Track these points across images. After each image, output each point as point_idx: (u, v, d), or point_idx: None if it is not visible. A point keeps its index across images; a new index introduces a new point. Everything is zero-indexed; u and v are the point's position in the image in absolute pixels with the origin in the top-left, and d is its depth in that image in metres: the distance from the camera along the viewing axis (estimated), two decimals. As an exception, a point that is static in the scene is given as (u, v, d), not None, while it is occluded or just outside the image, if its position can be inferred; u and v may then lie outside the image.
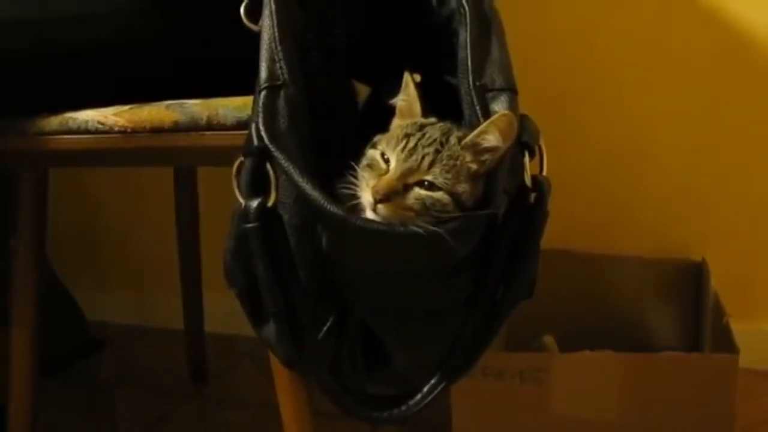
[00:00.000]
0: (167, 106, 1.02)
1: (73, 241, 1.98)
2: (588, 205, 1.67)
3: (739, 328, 1.30)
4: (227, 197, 0.85)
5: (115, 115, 1.03)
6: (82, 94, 1.07)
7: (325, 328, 0.86)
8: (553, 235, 0.87)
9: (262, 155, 0.78)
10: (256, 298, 0.85)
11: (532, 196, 0.82)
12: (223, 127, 1.00)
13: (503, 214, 0.81)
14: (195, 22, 1.09)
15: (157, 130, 1.01)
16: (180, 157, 1.14)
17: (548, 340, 1.53)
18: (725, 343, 1.26)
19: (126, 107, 1.03)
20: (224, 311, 1.32)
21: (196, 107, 1.01)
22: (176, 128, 1.01)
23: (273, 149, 0.77)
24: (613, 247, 1.65)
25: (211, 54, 1.09)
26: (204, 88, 1.05)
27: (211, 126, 1.00)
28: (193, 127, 1.00)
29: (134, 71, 1.09)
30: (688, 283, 1.56)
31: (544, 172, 0.84)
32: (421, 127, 0.81)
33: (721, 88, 1.60)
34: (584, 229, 1.63)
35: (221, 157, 0.96)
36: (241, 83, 0.92)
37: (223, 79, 1.03)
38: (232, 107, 1.00)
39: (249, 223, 0.78)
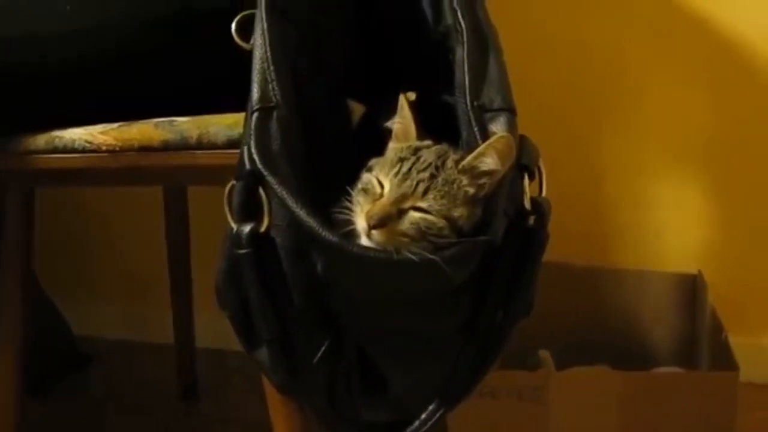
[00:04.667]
0: (156, 124, 1.00)
1: (62, 254, 1.96)
2: (583, 217, 1.66)
3: (735, 342, 1.30)
4: (219, 212, 0.83)
5: (102, 133, 1.01)
6: (70, 111, 1.05)
7: (320, 353, 0.83)
8: (548, 248, 0.85)
9: (254, 179, 0.76)
10: (249, 322, 0.83)
11: (531, 218, 0.80)
12: (214, 146, 0.98)
13: (502, 236, 0.79)
14: (186, 38, 1.06)
15: (146, 149, 0.99)
16: (170, 177, 1.12)
17: (544, 354, 1.51)
18: (724, 359, 1.25)
19: (114, 125, 1.02)
20: (215, 326, 1.30)
21: (186, 125, 1.00)
22: (166, 147, 0.99)
23: (266, 173, 0.75)
24: (608, 260, 1.64)
25: (202, 70, 1.08)
26: (195, 104, 1.03)
27: (201, 145, 0.98)
28: (183, 145, 0.99)
29: (123, 89, 1.07)
30: (684, 297, 1.55)
31: (544, 194, 0.82)
32: (416, 150, 0.80)
33: (718, 100, 1.60)
34: (579, 242, 1.61)
35: (212, 176, 0.94)
36: (234, 99, 0.90)
37: (215, 95, 1.02)
38: (223, 125, 0.99)
39: (241, 249, 0.77)
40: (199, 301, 1.65)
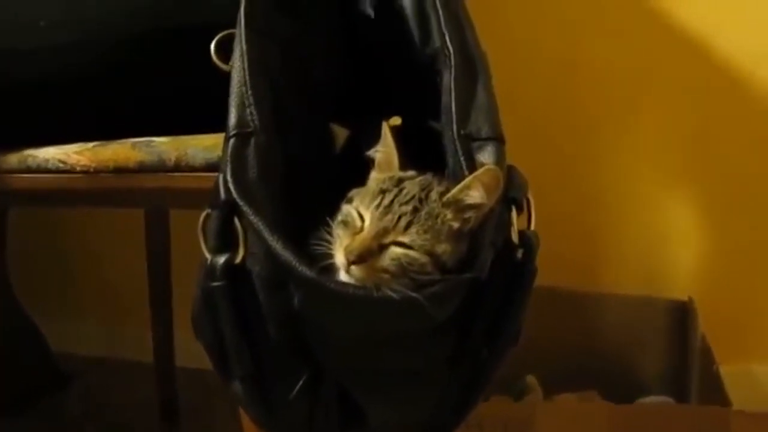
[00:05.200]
0: (133, 145, 0.97)
1: (42, 269, 1.93)
2: (571, 241, 1.63)
3: (727, 370, 1.29)
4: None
5: (77, 153, 0.98)
6: (44, 129, 1.02)
7: (297, 387, 0.80)
8: (536, 273, 0.83)
9: (229, 209, 0.73)
10: (225, 354, 0.80)
11: (519, 252, 0.77)
12: (192, 168, 0.95)
13: (488, 269, 0.76)
14: (164, 56, 1.03)
15: (121, 170, 0.97)
16: (146, 199, 1.09)
17: (531, 380, 1.49)
18: (716, 392, 1.23)
19: (90, 145, 0.99)
20: (196, 344, 1.28)
21: (163, 146, 0.97)
22: (142, 168, 0.96)
23: (241, 203, 0.72)
24: (597, 284, 1.61)
25: (182, 88, 1.04)
26: (175, 122, 1.00)
27: (179, 167, 0.96)
28: (160, 167, 0.96)
29: (100, 106, 1.04)
30: (675, 323, 1.52)
31: (533, 227, 0.79)
32: (399, 181, 0.77)
33: (709, 123, 1.57)
34: (567, 266, 1.58)
35: (190, 199, 0.92)
36: (215, 117, 0.87)
37: (196, 114, 0.98)
38: (201, 147, 0.96)
39: (215, 281, 0.74)
40: (179, 318, 1.62)
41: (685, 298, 1.51)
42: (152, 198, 1.06)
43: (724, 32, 1.53)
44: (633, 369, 1.55)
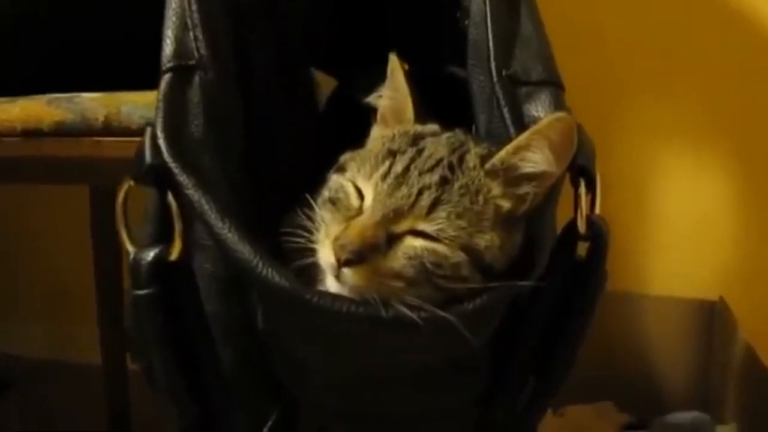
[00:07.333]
0: (49, 101, 0.83)
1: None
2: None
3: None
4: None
5: None
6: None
7: (264, 430, 0.62)
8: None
9: (159, 178, 0.52)
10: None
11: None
12: (127, 131, 0.80)
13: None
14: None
15: (32, 134, 0.82)
16: (65, 173, 0.92)
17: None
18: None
19: None
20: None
21: (90, 103, 0.82)
22: (61, 131, 0.81)
23: (177, 170, 0.51)
24: (613, 282, 1.43)
25: (114, 27, 0.89)
26: (107, 74, 0.84)
27: (110, 129, 0.80)
28: (84, 130, 0.81)
29: (5, 47, 0.89)
30: (702, 326, 1.42)
31: (598, 210, 0.60)
32: (416, 139, 0.55)
33: (747, 101, 1.43)
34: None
35: (123, 173, 0.72)
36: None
37: (134, 60, 0.79)
38: (140, 104, 0.81)
39: (140, 288, 0.53)
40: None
41: (715, 298, 1.40)
42: (73, 171, 0.89)
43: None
44: (653, 378, 1.45)
